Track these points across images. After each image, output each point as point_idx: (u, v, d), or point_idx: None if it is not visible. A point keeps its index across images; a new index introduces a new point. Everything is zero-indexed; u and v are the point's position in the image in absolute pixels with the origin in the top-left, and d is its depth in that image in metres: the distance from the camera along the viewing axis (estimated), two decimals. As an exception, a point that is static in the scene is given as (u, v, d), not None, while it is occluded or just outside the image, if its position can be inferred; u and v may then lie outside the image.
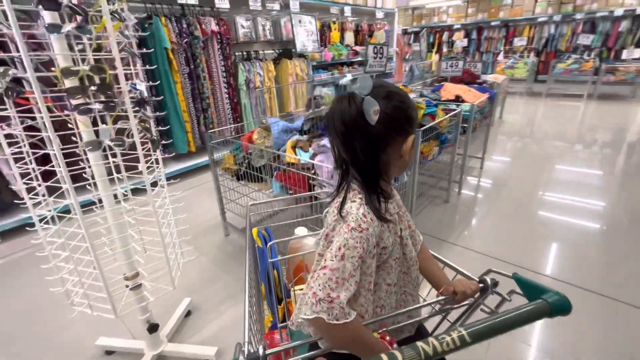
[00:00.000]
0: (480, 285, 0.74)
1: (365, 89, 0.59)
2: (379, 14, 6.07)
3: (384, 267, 0.70)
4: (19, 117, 0.89)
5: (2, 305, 1.84)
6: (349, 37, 5.75)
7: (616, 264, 1.94)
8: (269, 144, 1.90)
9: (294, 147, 1.72)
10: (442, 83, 3.41)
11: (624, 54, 6.30)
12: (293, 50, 4.45)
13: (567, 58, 6.95)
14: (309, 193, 1.55)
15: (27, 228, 1.11)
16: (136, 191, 1.24)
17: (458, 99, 2.86)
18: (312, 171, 1.62)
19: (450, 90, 3.03)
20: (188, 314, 1.72)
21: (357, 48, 5.48)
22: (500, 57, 8.00)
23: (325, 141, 1.63)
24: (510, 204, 2.70)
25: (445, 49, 9.72)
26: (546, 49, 8.03)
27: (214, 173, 2.20)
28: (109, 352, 1.52)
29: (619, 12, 6.85)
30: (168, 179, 1.38)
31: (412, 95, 2.43)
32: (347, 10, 5.13)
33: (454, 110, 2.41)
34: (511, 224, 2.43)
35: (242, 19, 3.93)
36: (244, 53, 3.96)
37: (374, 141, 0.63)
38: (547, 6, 7.68)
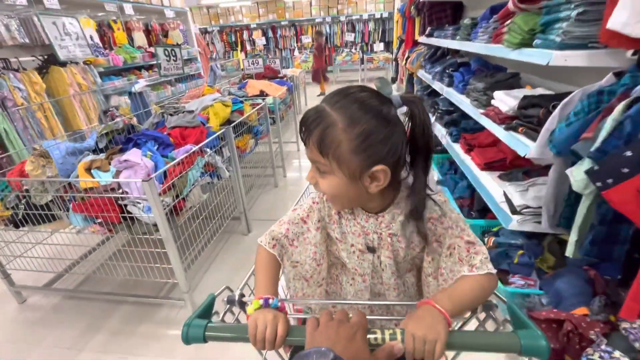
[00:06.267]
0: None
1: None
2: (169, 13, 5.71)
3: (344, 270, 0.76)
4: None
5: None
6: (140, 38, 5.17)
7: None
8: (52, 173, 1.55)
9: (88, 169, 1.47)
10: (247, 80, 3.64)
11: (375, 47, 8.44)
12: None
13: (341, 52, 8.69)
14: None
15: None
16: None
17: (262, 94, 3.14)
18: (120, 190, 1.45)
19: (254, 86, 3.27)
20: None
21: (153, 50, 5.01)
22: (296, 53, 9.14)
23: (128, 155, 1.48)
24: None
25: (249, 47, 10.22)
26: (327, 44, 9.74)
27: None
28: None
29: (365, 16, 9.06)
30: None
31: (217, 95, 2.48)
32: (128, 8, 4.57)
33: (260, 104, 2.64)
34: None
35: (-36, 16, 2.87)
36: (-17, 62, 2.94)
37: None
38: (320, 9, 9.27)
